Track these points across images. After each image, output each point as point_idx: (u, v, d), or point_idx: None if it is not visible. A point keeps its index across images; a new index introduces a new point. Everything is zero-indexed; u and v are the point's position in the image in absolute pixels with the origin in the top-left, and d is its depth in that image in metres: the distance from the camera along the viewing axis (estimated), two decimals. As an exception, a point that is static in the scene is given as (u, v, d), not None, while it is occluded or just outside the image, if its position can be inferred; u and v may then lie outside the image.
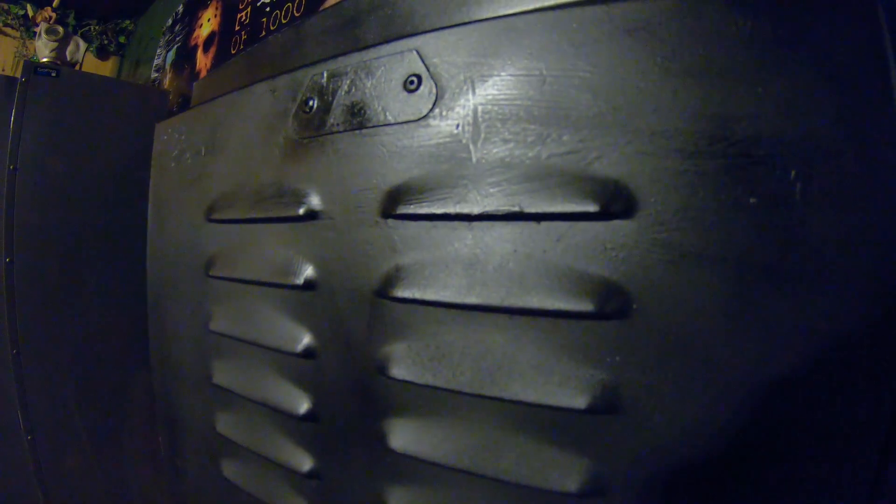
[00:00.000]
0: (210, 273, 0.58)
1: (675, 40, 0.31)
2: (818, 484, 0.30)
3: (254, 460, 0.53)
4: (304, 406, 0.43)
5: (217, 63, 1.72)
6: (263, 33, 1.43)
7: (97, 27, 1.73)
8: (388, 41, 0.37)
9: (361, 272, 0.38)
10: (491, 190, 0.33)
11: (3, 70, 1.72)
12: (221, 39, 1.59)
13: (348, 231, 0.38)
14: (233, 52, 1.63)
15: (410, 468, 0.37)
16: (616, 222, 0.32)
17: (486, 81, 0.34)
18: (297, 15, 1.28)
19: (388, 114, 0.37)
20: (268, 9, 1.38)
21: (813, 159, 0.29)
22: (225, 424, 0.57)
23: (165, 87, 1.67)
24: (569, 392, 0.32)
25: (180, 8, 1.68)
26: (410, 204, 0.35)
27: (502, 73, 0.34)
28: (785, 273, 0.29)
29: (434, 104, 0.35)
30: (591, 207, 0.32)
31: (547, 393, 0.32)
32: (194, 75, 1.68)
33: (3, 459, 1.40)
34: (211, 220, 0.58)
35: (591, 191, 0.33)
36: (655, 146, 0.31)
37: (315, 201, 0.42)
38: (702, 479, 0.31)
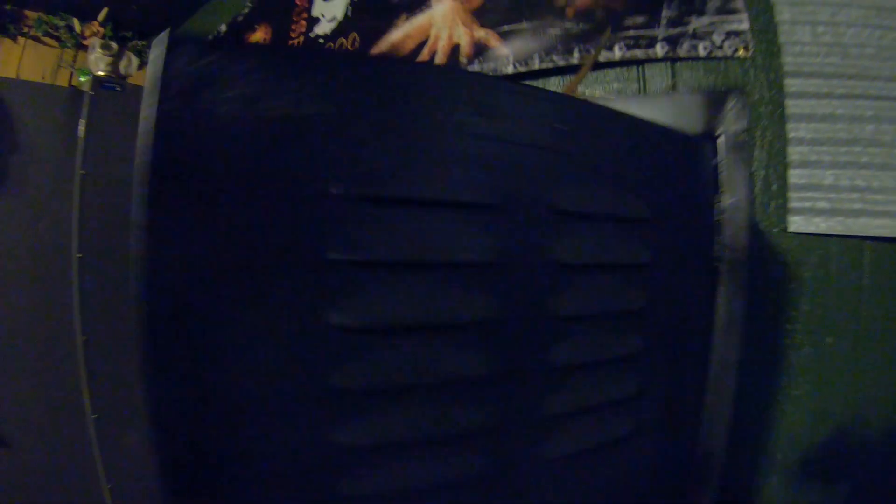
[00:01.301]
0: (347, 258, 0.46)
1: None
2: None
3: (404, 456, 0.48)
4: (487, 363, 0.51)
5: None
6: (314, 60, 1.64)
7: (139, 42, 1.85)
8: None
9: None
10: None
11: (44, 78, 1.82)
12: (270, 62, 1.79)
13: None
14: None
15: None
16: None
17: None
18: (351, 49, 1.50)
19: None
20: (321, 40, 1.59)
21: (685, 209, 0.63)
22: (355, 433, 0.46)
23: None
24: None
25: (223, 27, 1.83)
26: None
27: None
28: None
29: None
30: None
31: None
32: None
33: (69, 437, 1.54)
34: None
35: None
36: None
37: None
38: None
